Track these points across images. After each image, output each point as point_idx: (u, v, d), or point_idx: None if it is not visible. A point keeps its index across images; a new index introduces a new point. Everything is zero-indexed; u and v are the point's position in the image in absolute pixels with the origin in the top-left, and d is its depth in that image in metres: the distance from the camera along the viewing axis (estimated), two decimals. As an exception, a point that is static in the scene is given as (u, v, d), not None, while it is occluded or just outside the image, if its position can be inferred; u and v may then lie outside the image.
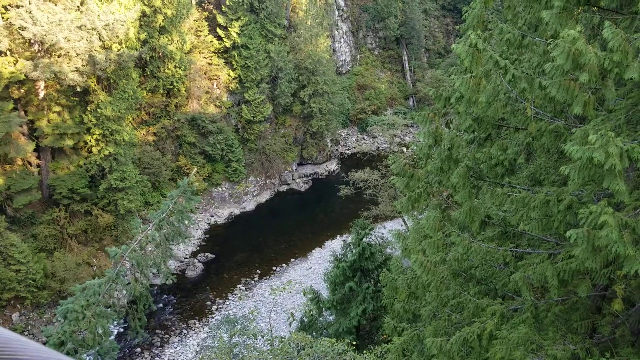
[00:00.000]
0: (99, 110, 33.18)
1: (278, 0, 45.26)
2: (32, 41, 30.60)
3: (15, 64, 30.82)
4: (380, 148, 53.40)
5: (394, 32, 62.26)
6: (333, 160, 52.19)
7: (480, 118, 8.62)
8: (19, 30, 29.76)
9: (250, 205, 44.68)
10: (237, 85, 44.86)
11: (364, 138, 56.23)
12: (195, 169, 39.66)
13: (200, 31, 44.12)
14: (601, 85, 7.46)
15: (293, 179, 48.45)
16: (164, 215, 9.04)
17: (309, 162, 50.79)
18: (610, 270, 8.02)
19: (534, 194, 9.32)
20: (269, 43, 45.26)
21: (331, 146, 52.92)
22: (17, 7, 30.28)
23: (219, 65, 44.53)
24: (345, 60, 60.04)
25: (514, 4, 9.29)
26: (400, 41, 64.15)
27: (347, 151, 54.33)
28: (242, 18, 43.53)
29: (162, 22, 38.42)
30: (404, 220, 31.06)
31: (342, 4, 60.78)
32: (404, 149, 48.88)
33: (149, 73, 39.22)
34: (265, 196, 46.31)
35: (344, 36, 60.44)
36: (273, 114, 47.79)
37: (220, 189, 43.90)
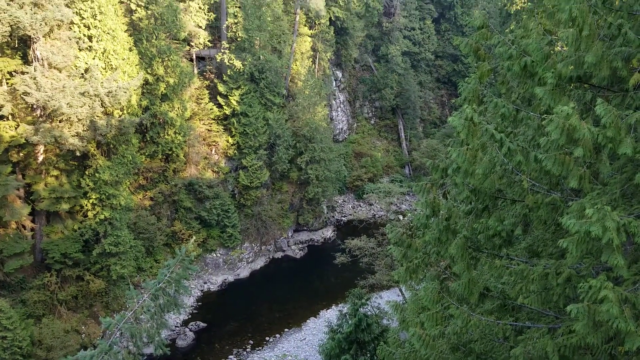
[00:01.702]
0: (97, 174, 33.33)
1: (277, 70, 46.57)
2: (34, 106, 31.15)
3: (16, 128, 31.23)
4: (377, 216, 53.41)
5: (390, 102, 63.86)
6: (329, 227, 52.03)
7: (477, 189, 8.69)
8: (22, 95, 30.35)
9: (244, 272, 44.07)
10: (236, 151, 45.40)
11: (360, 205, 56.35)
12: (194, 237, 39.51)
13: (201, 99, 45.11)
14: (596, 160, 7.57)
15: (288, 246, 48.08)
16: (160, 284, 8.86)
17: (305, 228, 50.61)
18: (611, 346, 7.84)
19: (532, 267, 9.25)
20: (267, 111, 46.20)
21: (327, 213, 52.91)
22: (22, 73, 31.06)
23: (218, 131, 45.23)
24: (342, 129, 61.15)
25: (508, 80, 9.58)
26: (396, 111, 65.65)
27: (343, 218, 54.26)
28: (242, 87, 44.64)
29: (164, 89, 39.36)
30: (401, 290, 30.61)
31: (340, 75, 62.62)
32: (401, 217, 48.90)
33: (148, 138, 39.74)
34: (260, 263, 45.78)
35: (341, 105, 61.87)
36: (270, 180, 48.09)
37: (214, 255, 43.44)
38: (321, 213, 51.58)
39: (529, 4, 42.70)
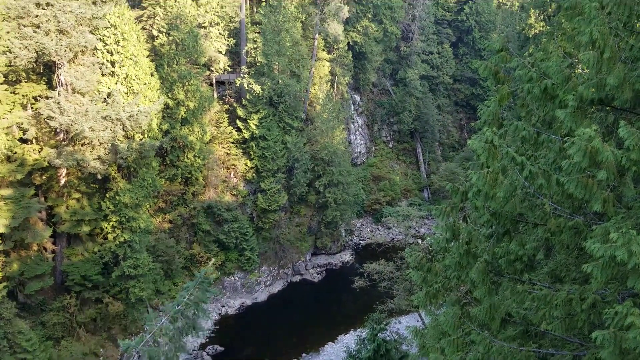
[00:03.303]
0: (117, 197, 33.69)
1: (296, 94, 46.97)
2: (57, 130, 31.75)
3: (39, 152, 31.83)
4: (395, 239, 53.00)
5: (408, 126, 63.88)
6: (347, 250, 51.73)
7: (498, 213, 8.57)
8: (46, 119, 30.98)
9: (262, 296, 43.88)
10: (254, 174, 45.64)
11: (378, 229, 56.03)
12: (213, 260, 39.56)
13: (221, 123, 45.62)
14: (619, 183, 7.44)
15: (306, 269, 47.86)
16: (179, 307, 8.83)
17: (323, 252, 50.38)
18: (640, 375, 7.60)
19: (555, 292, 9.06)
20: (286, 134, 46.49)
21: (345, 236, 52.69)
22: (47, 98, 31.76)
23: (237, 155, 45.59)
24: (360, 152, 61.21)
25: (527, 102, 9.52)
26: (415, 134, 65.61)
27: (361, 242, 53.95)
28: (261, 111, 45.07)
29: (185, 113, 39.91)
30: (420, 315, 30.15)
31: (358, 98, 62.95)
32: (419, 241, 48.46)
33: (168, 162, 40.19)
34: (277, 286, 45.58)
35: (360, 129, 62.05)
36: (288, 203, 48.15)
37: (232, 279, 43.39)
38: (339, 237, 51.38)
39: (548, 27, 42.71)
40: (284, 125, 46.74)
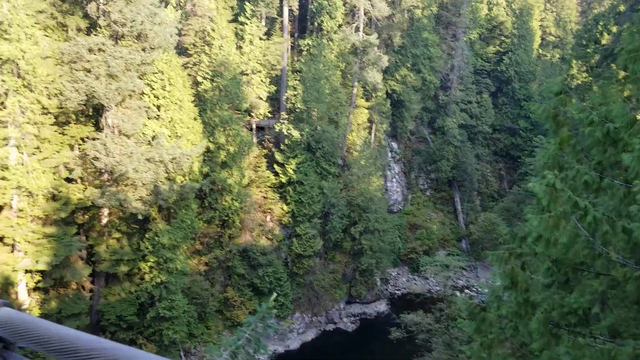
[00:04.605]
0: (156, 238, 33.98)
1: (334, 140, 47.28)
2: (102, 170, 32.57)
3: (84, 191, 32.58)
4: (433, 290, 51.65)
5: (446, 174, 63.22)
6: (382, 300, 50.55)
7: (560, 260, 8.15)
8: (92, 160, 31.85)
9: (294, 344, 42.97)
10: (290, 219, 45.58)
11: (414, 279, 54.79)
12: (275, 294, 39.20)
13: (259, 167, 46.10)
14: (695, 231, 7.01)
15: (340, 318, 46.85)
16: (240, 341, 8.55)
17: (358, 300, 49.36)
18: None
19: (621, 347, 8.49)
20: (323, 180, 46.57)
21: (380, 285, 51.64)
22: (94, 139, 32.75)
23: (273, 199, 45.77)
24: (397, 200, 60.68)
25: (588, 146, 9.19)
26: (453, 183, 64.83)
27: (397, 291, 52.73)
28: (299, 156, 45.42)
29: (224, 157, 40.51)
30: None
31: (395, 146, 62.94)
32: (457, 293, 47.10)
33: (207, 204, 40.57)
34: (310, 335, 44.63)
35: (396, 176, 61.74)
36: (323, 249, 47.72)
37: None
38: (374, 285, 50.39)
39: (591, 78, 42.28)
40: (320, 171, 46.88)
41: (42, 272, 29.65)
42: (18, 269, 28.71)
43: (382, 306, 49.63)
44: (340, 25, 51.35)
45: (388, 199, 57.87)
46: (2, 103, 27.81)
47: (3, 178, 27.78)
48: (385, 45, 56.74)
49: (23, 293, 29.60)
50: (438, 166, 62.99)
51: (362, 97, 54.37)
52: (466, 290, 52.14)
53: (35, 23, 30.40)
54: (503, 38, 70.89)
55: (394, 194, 60.51)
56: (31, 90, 28.68)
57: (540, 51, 75.61)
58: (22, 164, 28.52)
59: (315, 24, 51.21)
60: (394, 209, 59.44)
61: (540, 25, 76.49)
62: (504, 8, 71.60)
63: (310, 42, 50.29)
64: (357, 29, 51.96)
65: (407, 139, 64.99)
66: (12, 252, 28.89)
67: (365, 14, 52.46)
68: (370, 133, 55.36)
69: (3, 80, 27.21)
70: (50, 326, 1.62)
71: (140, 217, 33.21)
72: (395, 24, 56.64)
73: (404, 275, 55.52)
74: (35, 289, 30.45)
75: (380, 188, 52.65)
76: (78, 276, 31.61)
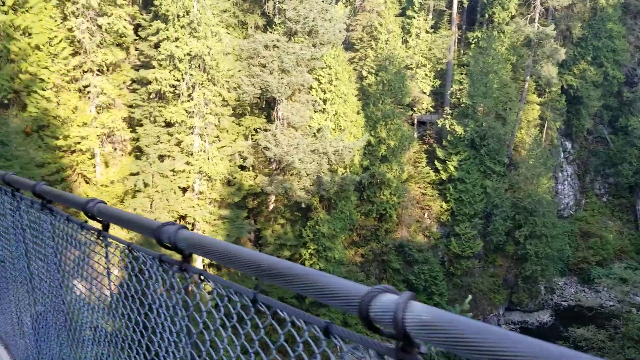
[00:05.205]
0: (317, 226, 35.32)
1: (500, 137, 45.00)
2: (271, 160, 34.66)
3: (254, 178, 35.00)
4: (605, 305, 46.83)
5: (627, 179, 56.64)
6: (546, 310, 47.10)
7: None
8: (263, 149, 34.05)
9: (448, 345, 41.89)
10: (449, 217, 44.44)
11: (584, 290, 50.13)
12: (470, 296, 39.22)
13: (419, 162, 45.59)
14: None
15: (499, 325, 44.56)
16: None
17: (518, 308, 46.59)
18: None
19: None
20: (486, 179, 44.61)
21: (545, 294, 48.12)
22: (265, 130, 34.97)
23: (432, 196, 44.96)
24: (568, 204, 55.95)
25: None
26: (635, 189, 57.92)
27: (563, 302, 48.72)
28: (461, 153, 44.02)
29: (385, 151, 40.73)
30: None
31: (569, 145, 57.98)
32: (633, 310, 42.21)
33: (365, 197, 41.17)
34: (465, 338, 43.16)
35: (569, 179, 56.89)
36: (483, 251, 45.77)
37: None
38: (538, 294, 47.10)
39: None
40: (484, 169, 44.93)
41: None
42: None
43: (545, 316, 46.28)
44: (513, 17, 48.59)
45: (558, 203, 53.56)
46: (190, 95, 30.86)
47: (188, 163, 30.89)
48: (562, 37, 52.46)
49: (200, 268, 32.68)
50: (618, 170, 56.65)
51: (534, 93, 50.89)
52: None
53: (220, 22, 33.18)
54: None
55: (565, 198, 55.84)
56: (214, 84, 31.42)
57: None
58: (204, 151, 31.44)
59: (486, 15, 49.07)
60: (564, 214, 54.89)
61: None
62: None
63: (479, 35, 48.34)
64: (531, 20, 48.72)
65: (584, 138, 59.40)
66: (192, 230, 32.03)
67: (541, 3, 48.97)
68: (541, 131, 51.64)
69: (191, 75, 30.17)
70: (216, 241, 2.04)
71: (303, 205, 34.77)
72: (575, 14, 52.14)
73: (572, 285, 51.10)
74: (210, 265, 33.47)
75: (549, 190, 48.98)
76: (246, 257, 34.04)
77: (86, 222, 2.73)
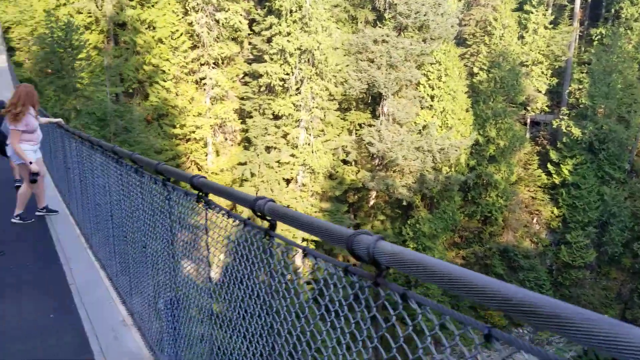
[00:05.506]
0: (417, 225, 34.69)
1: (622, 142, 41.59)
2: (374, 155, 34.44)
3: (356, 173, 34.97)
4: None
5: None
6: (665, 331, 43.04)
7: None
8: (366, 145, 33.92)
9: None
10: (560, 224, 41.84)
11: None
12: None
13: (530, 164, 43.31)
14: None
15: (610, 342, 41.45)
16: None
17: (633, 324, 42.96)
18: None
19: None
20: (604, 185, 41.45)
21: (665, 314, 44.03)
22: (370, 126, 34.79)
23: (542, 200, 42.56)
24: (698, 218, 50.72)
25: None
26: None
27: (687, 325, 44.28)
28: (577, 156, 41.24)
29: (493, 151, 39.09)
30: None
31: (703, 153, 52.48)
32: None
33: (469, 198, 39.79)
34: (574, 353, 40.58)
35: (701, 190, 51.53)
36: (596, 261, 42.63)
37: (520, 330, 40.33)
38: (657, 313, 43.20)
39: None
40: (602, 175, 41.77)
41: (315, 242, 32.85)
42: (297, 237, 32.34)
43: (664, 339, 42.30)
44: (643, 12, 44.64)
45: (686, 216, 48.74)
46: (298, 89, 31.39)
47: (293, 155, 31.47)
48: (701, 32, 47.41)
49: (298, 260, 33.27)
50: None
51: (664, 94, 46.47)
52: None
53: (330, 16, 33.38)
54: None
55: (695, 211, 50.65)
56: (322, 78, 31.72)
57: None
58: (309, 144, 31.88)
59: (612, 10, 45.52)
60: (693, 228, 49.84)
61: None
62: None
63: (603, 31, 44.91)
64: (665, 15, 44.47)
65: None
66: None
67: (678, -4, 44.53)
68: (670, 136, 47.15)
69: (300, 69, 30.64)
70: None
71: (404, 203, 34.28)
72: None
73: (698, 308, 46.33)
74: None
75: (677, 201, 44.61)
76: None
77: (249, 218, 2.69)
